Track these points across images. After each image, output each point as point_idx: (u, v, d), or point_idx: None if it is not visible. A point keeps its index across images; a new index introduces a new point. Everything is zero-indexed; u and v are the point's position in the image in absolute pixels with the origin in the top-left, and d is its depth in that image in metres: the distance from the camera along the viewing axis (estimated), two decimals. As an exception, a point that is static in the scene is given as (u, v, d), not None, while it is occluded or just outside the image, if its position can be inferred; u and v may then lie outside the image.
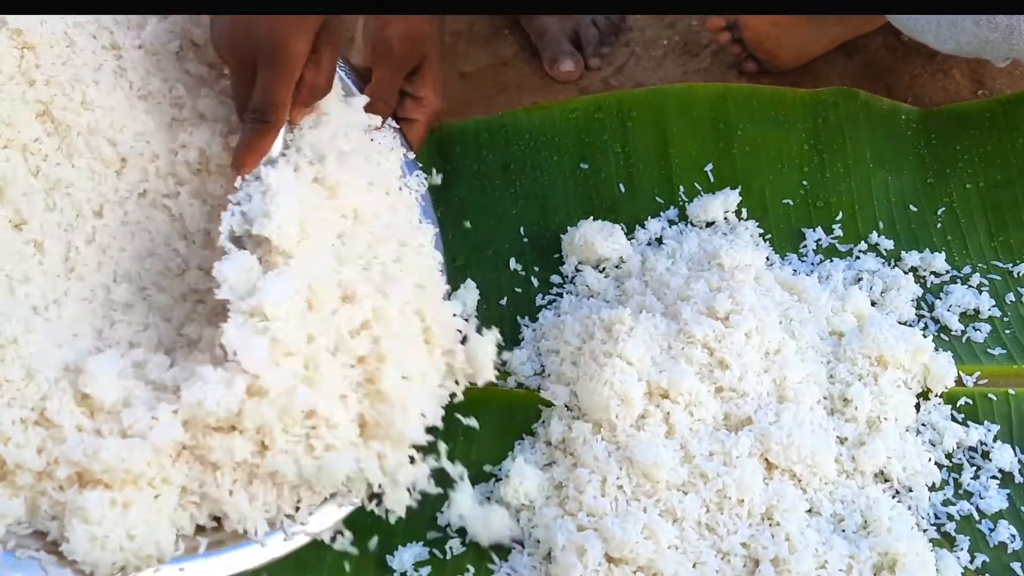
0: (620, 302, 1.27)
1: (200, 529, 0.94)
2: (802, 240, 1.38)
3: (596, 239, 1.33)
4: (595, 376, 1.15)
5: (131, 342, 0.99)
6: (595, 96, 1.53)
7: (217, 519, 0.94)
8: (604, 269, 1.34)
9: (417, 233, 1.11)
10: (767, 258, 1.32)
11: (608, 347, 1.17)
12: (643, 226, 1.39)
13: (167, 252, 1.03)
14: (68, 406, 0.90)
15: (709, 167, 1.43)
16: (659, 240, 1.38)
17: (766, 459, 1.12)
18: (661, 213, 1.41)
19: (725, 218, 1.39)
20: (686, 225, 1.39)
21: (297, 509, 0.95)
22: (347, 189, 1.04)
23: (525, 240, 1.40)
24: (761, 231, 1.38)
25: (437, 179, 1.20)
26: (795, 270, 1.33)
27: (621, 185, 1.44)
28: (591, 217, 1.37)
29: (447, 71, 1.67)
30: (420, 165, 1.16)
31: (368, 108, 1.12)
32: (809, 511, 1.10)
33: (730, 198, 1.39)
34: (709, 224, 1.38)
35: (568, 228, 1.36)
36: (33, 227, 0.99)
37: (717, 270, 1.26)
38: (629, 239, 1.36)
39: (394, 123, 1.17)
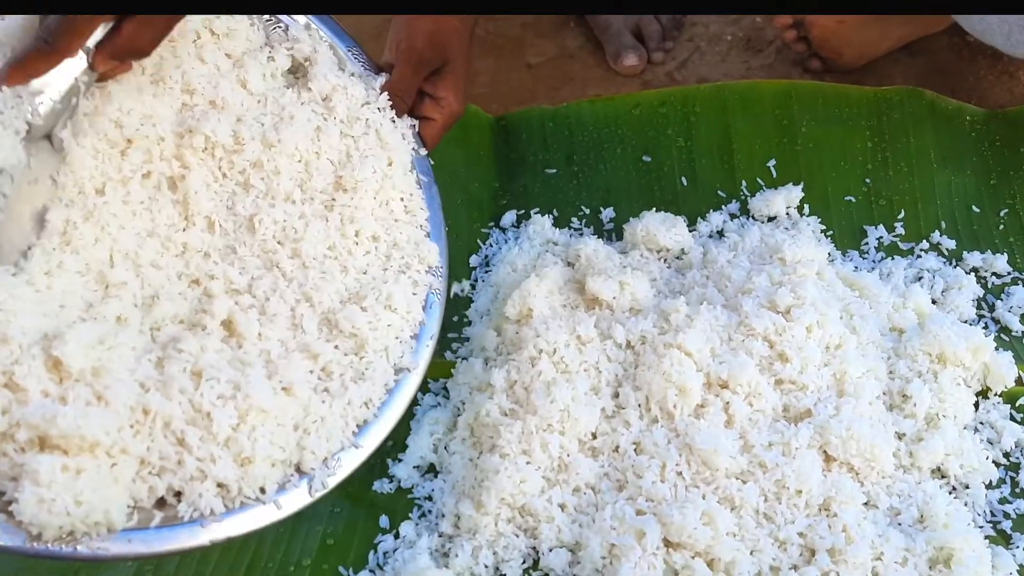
0: (681, 293, 1.28)
1: (161, 502, 0.93)
2: (864, 237, 1.39)
3: (658, 230, 1.34)
4: (653, 366, 1.17)
5: (119, 317, 0.99)
6: (659, 91, 1.55)
7: (179, 493, 0.93)
8: (666, 260, 1.35)
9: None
10: (828, 254, 1.33)
11: (668, 337, 1.18)
12: (704, 219, 1.41)
13: (167, 232, 1.04)
14: (37, 371, 0.90)
15: (772, 163, 1.45)
16: (720, 233, 1.40)
17: (825, 451, 1.13)
18: (723, 207, 1.42)
19: (787, 213, 1.40)
20: (747, 219, 1.41)
21: (263, 490, 0.95)
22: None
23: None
24: (823, 227, 1.39)
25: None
26: (856, 267, 1.34)
27: (683, 178, 1.46)
28: (653, 208, 1.39)
29: (514, 63, 1.71)
30: (432, 163, 1.18)
31: None
32: (866, 504, 1.12)
33: (792, 193, 1.40)
34: (771, 219, 1.40)
35: (630, 219, 1.38)
36: None
37: (779, 264, 1.27)
38: (690, 231, 1.38)
39: (411, 119, 1.18)
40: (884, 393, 1.20)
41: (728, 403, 1.15)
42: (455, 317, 1.34)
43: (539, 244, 1.38)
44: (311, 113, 1.10)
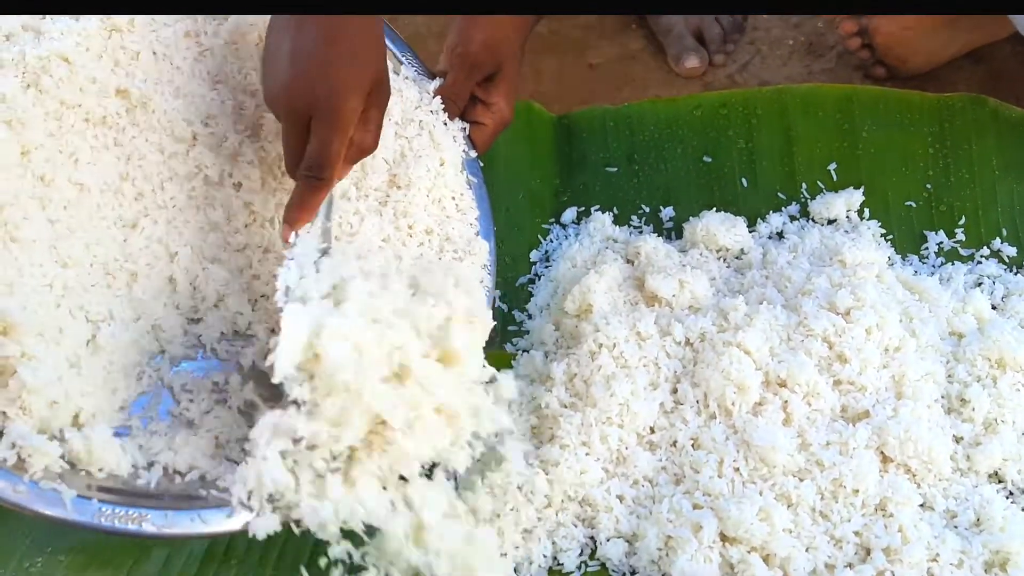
0: (740, 292, 1.29)
1: None
2: (924, 242, 1.39)
3: (719, 230, 1.36)
4: (712, 363, 1.18)
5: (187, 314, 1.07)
6: (720, 93, 1.56)
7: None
8: (725, 259, 1.37)
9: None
10: (888, 258, 1.34)
11: (727, 336, 1.20)
12: (764, 220, 1.42)
13: (229, 229, 1.08)
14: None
15: (832, 166, 1.45)
16: (780, 234, 1.41)
17: (882, 452, 1.13)
18: (782, 208, 1.43)
19: (847, 216, 1.41)
20: (807, 221, 1.41)
21: None
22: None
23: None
24: (883, 231, 1.39)
25: None
26: (916, 271, 1.35)
27: (743, 179, 1.47)
28: (713, 208, 1.40)
29: (576, 63, 1.73)
30: (481, 164, 1.21)
31: None
32: (922, 505, 1.12)
33: (853, 197, 1.41)
34: (831, 222, 1.41)
35: (690, 218, 1.40)
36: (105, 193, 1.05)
37: (839, 266, 1.28)
38: (750, 232, 1.39)
39: (463, 123, 1.21)
40: (942, 396, 1.20)
41: (786, 402, 1.16)
42: (515, 311, 1.36)
43: (599, 241, 1.40)
44: None
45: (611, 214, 1.44)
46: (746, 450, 1.13)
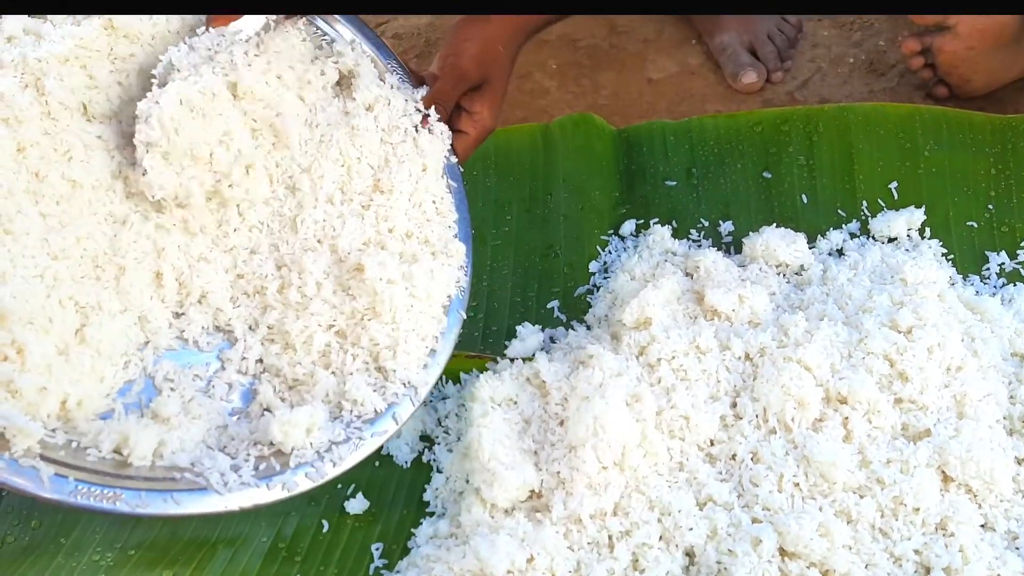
0: (800, 308, 1.30)
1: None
2: (985, 263, 1.39)
3: (779, 245, 1.36)
4: (772, 378, 1.18)
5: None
6: (782, 109, 1.57)
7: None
8: (784, 275, 1.37)
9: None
10: (949, 278, 1.34)
11: (787, 351, 1.20)
12: (824, 236, 1.42)
13: (218, 231, 1.12)
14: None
15: (894, 185, 1.46)
16: (839, 251, 1.41)
17: (943, 471, 1.13)
18: (843, 225, 1.43)
19: (908, 235, 1.41)
20: (867, 239, 1.42)
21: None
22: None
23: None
24: (944, 251, 1.39)
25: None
26: (977, 291, 1.35)
27: (803, 196, 1.47)
28: (772, 224, 1.41)
29: (635, 77, 1.75)
30: (462, 170, 1.24)
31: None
32: (983, 526, 1.12)
33: (914, 216, 1.41)
34: (891, 240, 1.41)
35: (750, 233, 1.40)
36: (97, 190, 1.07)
37: (900, 285, 1.28)
38: (809, 248, 1.39)
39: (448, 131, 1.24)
40: (1004, 418, 1.20)
41: (847, 418, 1.16)
42: (573, 321, 1.37)
43: (658, 254, 1.41)
44: (355, 121, 1.17)
45: (670, 227, 1.45)
46: (806, 465, 1.13)
